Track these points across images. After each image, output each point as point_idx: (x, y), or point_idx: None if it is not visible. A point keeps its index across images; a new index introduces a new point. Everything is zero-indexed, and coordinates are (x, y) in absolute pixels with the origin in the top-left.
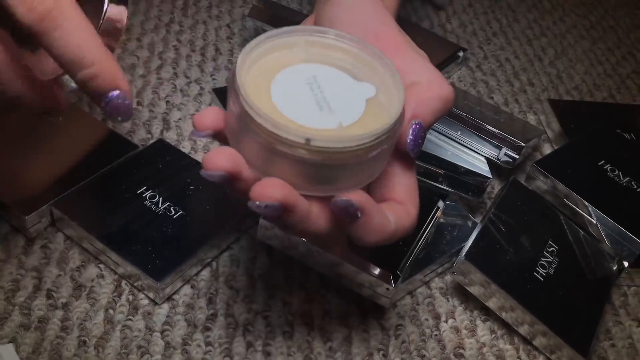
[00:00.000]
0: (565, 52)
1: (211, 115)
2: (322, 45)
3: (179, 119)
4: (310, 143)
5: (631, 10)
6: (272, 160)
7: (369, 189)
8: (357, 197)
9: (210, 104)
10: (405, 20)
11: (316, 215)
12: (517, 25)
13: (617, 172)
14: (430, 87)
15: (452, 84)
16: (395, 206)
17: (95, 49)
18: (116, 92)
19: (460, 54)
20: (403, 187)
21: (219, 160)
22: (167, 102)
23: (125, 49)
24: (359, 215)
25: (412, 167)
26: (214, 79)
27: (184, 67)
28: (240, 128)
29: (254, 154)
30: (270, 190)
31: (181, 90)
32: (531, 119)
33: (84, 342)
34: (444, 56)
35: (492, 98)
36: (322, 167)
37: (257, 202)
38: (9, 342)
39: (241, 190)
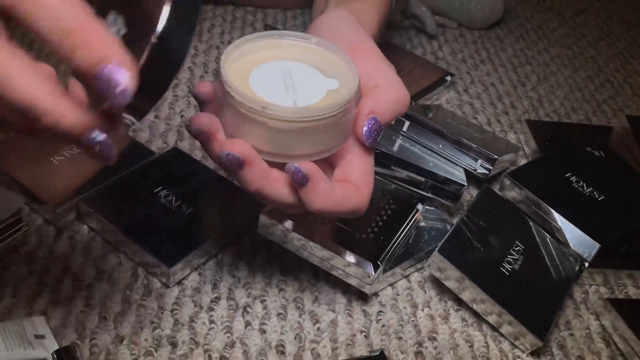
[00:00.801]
0: (547, 79)
1: (206, 87)
2: (302, 48)
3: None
4: (266, 110)
5: (612, 42)
6: (240, 127)
7: (331, 173)
8: (306, 165)
9: None
10: (400, 48)
11: (274, 178)
12: (504, 53)
13: (581, 183)
14: (388, 89)
15: (437, 106)
16: (348, 185)
17: (75, 14)
18: (108, 66)
19: (448, 78)
20: (358, 171)
21: (202, 118)
22: (182, 116)
23: None
24: (306, 181)
25: (369, 155)
26: None
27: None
28: (221, 102)
29: (229, 122)
30: (235, 144)
31: (194, 106)
32: (511, 137)
33: (105, 317)
34: (433, 79)
35: (476, 118)
36: (278, 133)
37: (222, 152)
38: (41, 315)
39: (215, 151)
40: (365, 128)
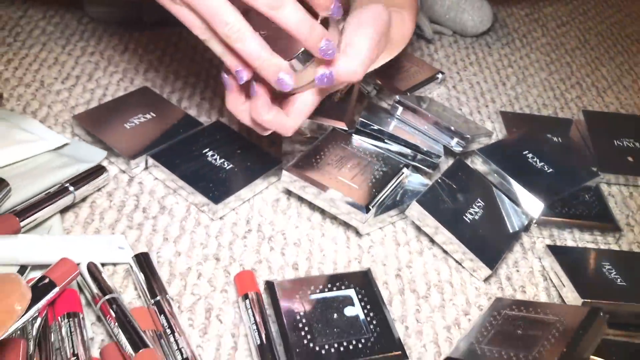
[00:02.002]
0: (525, 79)
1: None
2: None
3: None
4: None
5: (587, 52)
6: None
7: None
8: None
9: None
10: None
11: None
12: (490, 57)
13: (535, 159)
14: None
15: (430, 99)
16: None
17: None
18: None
19: (439, 75)
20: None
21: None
22: (221, 99)
23: (194, 59)
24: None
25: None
26: None
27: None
28: None
29: None
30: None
31: None
32: (487, 124)
33: (166, 239)
34: (426, 76)
35: (460, 109)
36: None
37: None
38: (122, 233)
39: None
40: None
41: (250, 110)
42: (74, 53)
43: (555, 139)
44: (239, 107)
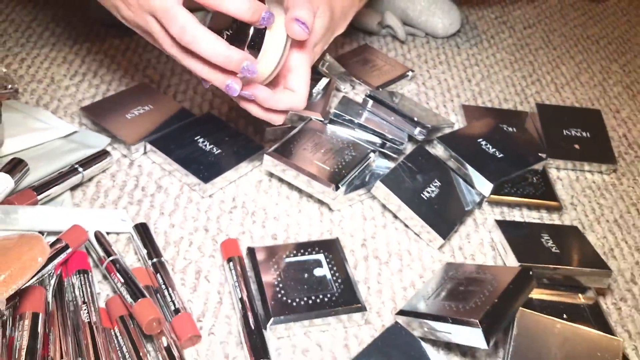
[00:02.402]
0: (489, 77)
1: None
2: None
3: (220, 103)
4: None
5: (549, 51)
6: None
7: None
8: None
9: None
10: (377, 50)
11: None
12: (458, 57)
13: (488, 146)
14: None
15: (401, 95)
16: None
17: None
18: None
19: (409, 73)
20: (296, 79)
21: None
22: (212, 93)
23: None
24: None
25: (306, 54)
26: None
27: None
28: None
29: None
30: None
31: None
32: (451, 117)
33: (162, 213)
34: (397, 74)
35: (427, 103)
36: None
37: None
38: (124, 208)
39: None
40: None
41: (262, 104)
42: (81, 53)
43: (510, 129)
44: (248, 105)
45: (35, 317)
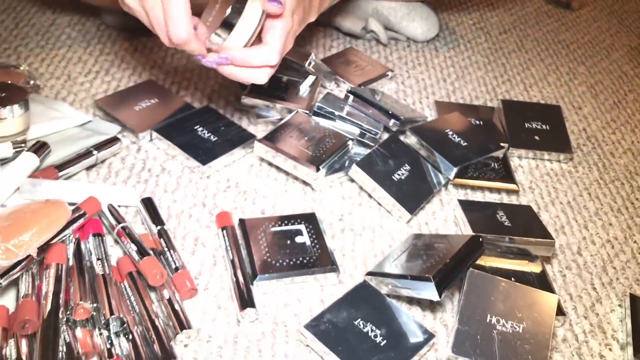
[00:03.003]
0: (463, 77)
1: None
2: None
3: (217, 98)
4: None
5: (522, 55)
6: None
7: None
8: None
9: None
10: (361, 52)
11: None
12: (436, 59)
13: (454, 136)
14: None
15: (382, 92)
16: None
17: None
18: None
19: (389, 73)
20: (270, 35)
21: None
22: (212, 90)
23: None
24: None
25: (281, 19)
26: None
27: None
28: None
29: None
30: None
31: (219, 83)
32: (426, 112)
33: (165, 191)
34: (378, 73)
35: (405, 100)
36: None
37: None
38: (132, 186)
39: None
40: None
41: (239, 64)
42: (94, 53)
43: (477, 122)
44: (227, 70)
45: (58, 267)
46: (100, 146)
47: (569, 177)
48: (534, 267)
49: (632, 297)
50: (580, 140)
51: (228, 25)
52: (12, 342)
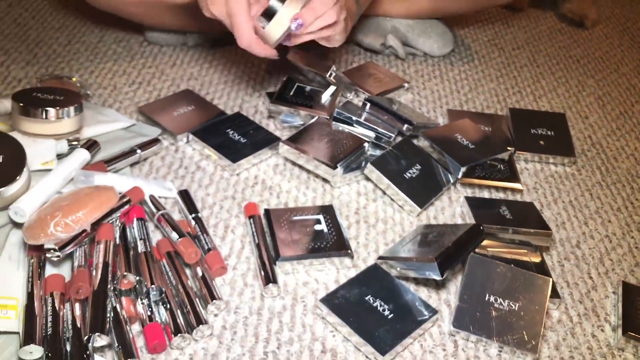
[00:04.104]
0: (476, 88)
1: None
2: None
3: (247, 107)
4: None
5: (533, 68)
6: None
7: None
8: None
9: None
10: (381, 66)
11: None
12: (451, 72)
13: (463, 139)
14: None
15: (400, 102)
16: None
17: None
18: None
19: (406, 84)
20: None
21: None
22: (243, 99)
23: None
24: None
25: None
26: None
27: (243, 92)
28: None
29: None
30: None
31: (248, 94)
32: (440, 119)
33: (200, 185)
34: (395, 85)
35: (420, 109)
36: None
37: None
38: (171, 181)
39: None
40: None
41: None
42: (137, 66)
43: (486, 128)
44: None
45: (107, 243)
46: (143, 146)
47: (572, 179)
48: (534, 257)
49: (625, 284)
50: (585, 146)
51: (265, 15)
52: (67, 305)
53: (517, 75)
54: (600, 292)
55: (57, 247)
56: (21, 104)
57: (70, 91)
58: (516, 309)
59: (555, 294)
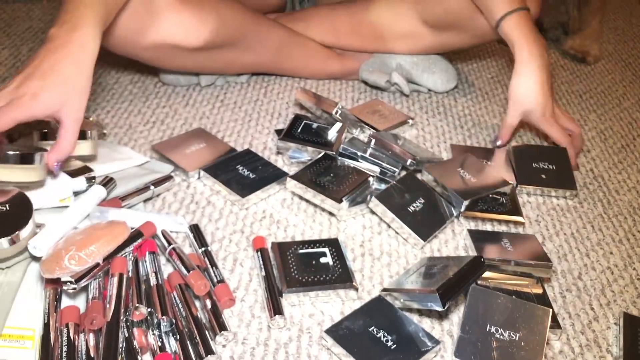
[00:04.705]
0: (479, 124)
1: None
2: None
3: (256, 144)
4: None
5: None
6: None
7: None
8: None
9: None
10: (386, 104)
11: None
12: (455, 108)
13: (465, 173)
14: None
15: (404, 137)
16: None
17: None
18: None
19: (410, 120)
20: None
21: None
22: (252, 136)
23: (248, 114)
24: None
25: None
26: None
27: (253, 130)
28: None
29: None
30: None
31: (258, 131)
32: (443, 154)
33: (210, 220)
34: (399, 120)
35: (424, 144)
36: None
37: None
38: (182, 216)
39: None
40: None
41: None
42: (151, 106)
43: (489, 162)
44: None
45: (121, 276)
46: (156, 182)
47: (574, 212)
48: (535, 288)
49: (626, 315)
50: (587, 180)
51: None
52: (82, 335)
53: None
54: (602, 323)
55: (73, 280)
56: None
57: (87, 121)
58: (517, 339)
59: (556, 324)
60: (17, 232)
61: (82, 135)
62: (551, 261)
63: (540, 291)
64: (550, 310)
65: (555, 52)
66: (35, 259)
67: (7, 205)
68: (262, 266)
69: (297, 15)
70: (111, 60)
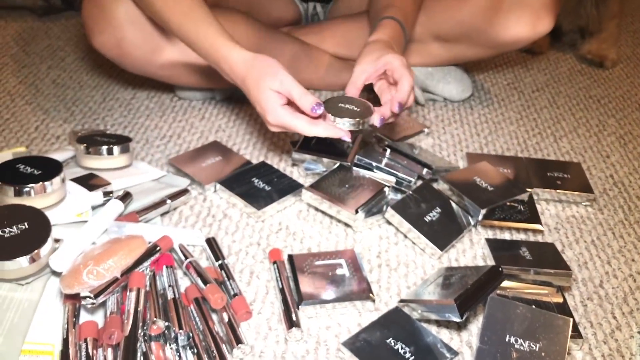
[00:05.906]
0: (496, 131)
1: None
2: None
3: (272, 156)
4: None
5: (553, 110)
6: None
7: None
8: None
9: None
10: (403, 113)
11: None
12: (471, 116)
13: (482, 181)
14: None
15: (420, 147)
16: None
17: None
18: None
19: (425, 130)
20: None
21: None
22: (268, 148)
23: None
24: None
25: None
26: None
27: (268, 142)
28: None
29: None
30: None
31: (273, 143)
32: (460, 163)
33: (226, 232)
34: (415, 130)
35: (440, 153)
36: None
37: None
38: (199, 229)
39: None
40: None
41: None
42: (168, 120)
43: (506, 170)
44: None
45: (139, 290)
46: (172, 196)
47: (594, 219)
48: (555, 297)
49: None
50: (606, 186)
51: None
52: (100, 350)
53: (537, 117)
54: (625, 332)
55: (92, 295)
56: (85, 145)
57: (120, 135)
58: (537, 349)
59: (577, 334)
60: (36, 251)
61: (125, 149)
62: (571, 269)
63: (560, 300)
64: (571, 319)
65: (572, 58)
66: (55, 274)
67: (25, 224)
68: (279, 278)
69: (310, 28)
70: (128, 76)
